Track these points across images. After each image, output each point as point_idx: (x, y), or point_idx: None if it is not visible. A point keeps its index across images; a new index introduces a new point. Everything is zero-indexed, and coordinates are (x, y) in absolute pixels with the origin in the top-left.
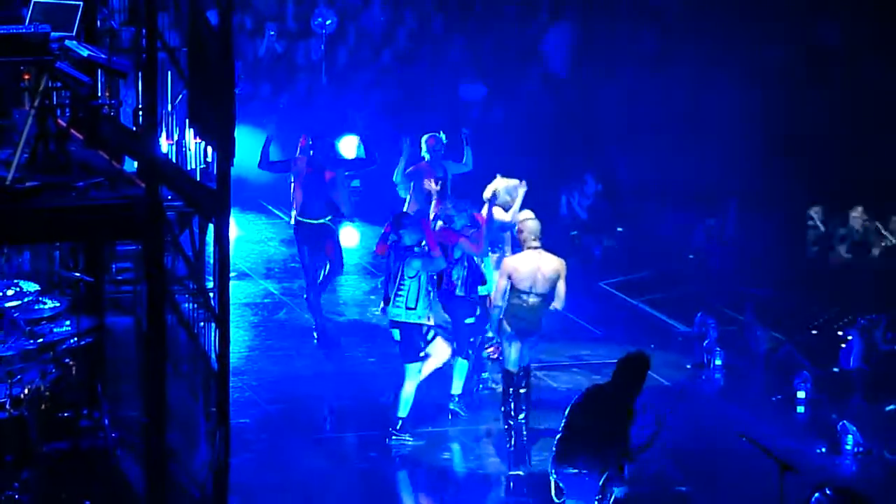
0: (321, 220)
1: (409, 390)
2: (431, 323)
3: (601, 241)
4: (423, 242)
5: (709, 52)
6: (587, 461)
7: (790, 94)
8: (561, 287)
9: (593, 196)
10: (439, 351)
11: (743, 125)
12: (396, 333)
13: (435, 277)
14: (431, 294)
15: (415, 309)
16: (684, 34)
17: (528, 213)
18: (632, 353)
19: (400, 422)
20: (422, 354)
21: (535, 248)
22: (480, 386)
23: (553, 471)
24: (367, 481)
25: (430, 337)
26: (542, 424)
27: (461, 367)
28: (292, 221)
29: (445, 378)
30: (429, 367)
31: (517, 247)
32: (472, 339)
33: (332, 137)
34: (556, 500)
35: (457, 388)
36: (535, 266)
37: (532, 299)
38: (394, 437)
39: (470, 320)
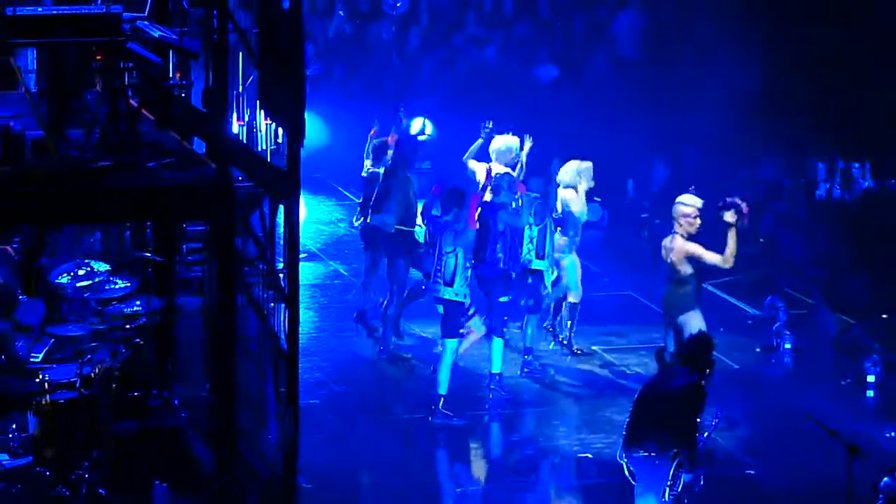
0: (388, 228)
1: (447, 367)
2: (467, 302)
3: (670, 223)
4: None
5: (774, 34)
6: (657, 445)
7: (854, 75)
8: (708, 258)
9: (661, 182)
10: (474, 328)
11: (810, 108)
12: (441, 308)
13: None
14: (469, 271)
15: (452, 286)
16: (749, 18)
17: (682, 198)
18: (695, 336)
19: (442, 399)
20: (462, 331)
21: (675, 231)
22: (525, 369)
23: (623, 455)
24: (435, 462)
25: (470, 313)
26: (611, 408)
27: (497, 346)
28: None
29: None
30: (465, 345)
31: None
32: (505, 318)
33: (414, 141)
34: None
35: (496, 366)
36: (665, 249)
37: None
38: (438, 414)
39: (504, 299)
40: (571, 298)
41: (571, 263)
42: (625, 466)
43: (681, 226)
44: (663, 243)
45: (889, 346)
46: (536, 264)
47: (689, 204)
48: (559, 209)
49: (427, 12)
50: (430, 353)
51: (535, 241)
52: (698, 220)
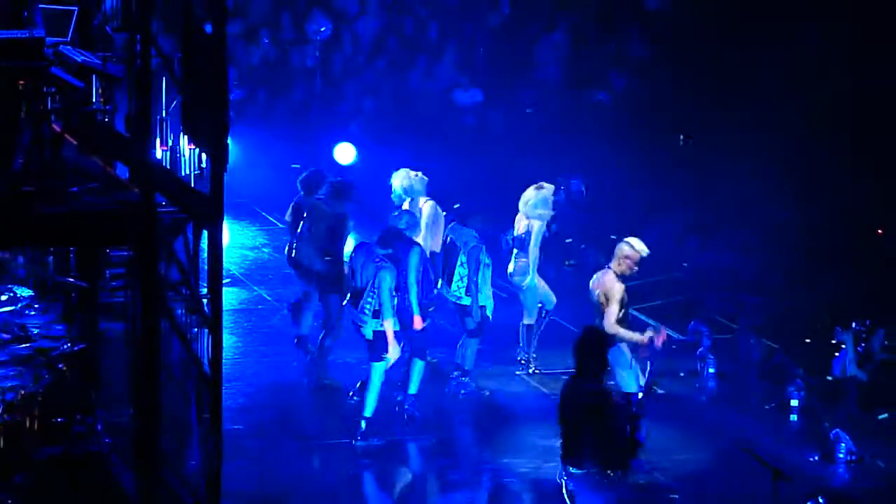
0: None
1: (374, 391)
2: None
3: (594, 249)
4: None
5: (699, 59)
6: (591, 458)
7: (777, 99)
8: (608, 310)
9: (578, 197)
10: (393, 352)
11: (731, 135)
12: (369, 332)
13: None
14: (395, 299)
15: (380, 317)
16: (675, 41)
17: (631, 239)
18: (582, 333)
19: (364, 422)
20: (385, 356)
21: (609, 266)
22: (462, 391)
23: (563, 476)
24: (360, 488)
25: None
26: (534, 432)
27: (418, 368)
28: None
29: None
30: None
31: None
32: (426, 342)
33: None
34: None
35: (412, 388)
36: (593, 282)
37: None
38: (359, 439)
39: (426, 322)
40: (525, 321)
41: (532, 285)
42: (563, 486)
43: (618, 264)
44: (595, 276)
45: (812, 370)
46: (465, 301)
47: (635, 249)
48: (520, 231)
49: (350, 38)
50: (354, 379)
51: (464, 279)
52: (636, 268)
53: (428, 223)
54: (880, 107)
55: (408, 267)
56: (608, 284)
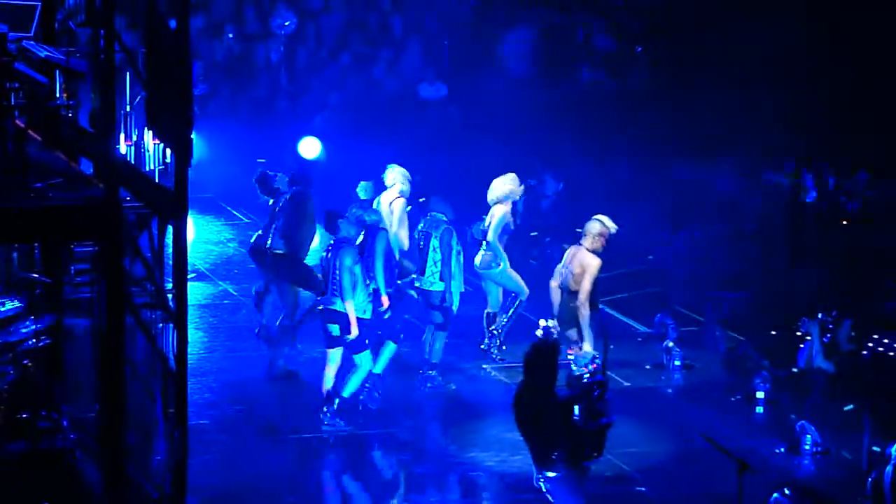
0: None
1: (361, 376)
2: (367, 316)
3: (561, 242)
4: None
5: (665, 53)
6: (561, 461)
7: (772, 95)
8: (584, 285)
9: (553, 196)
10: (354, 331)
11: (700, 127)
12: (336, 329)
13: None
14: (371, 285)
15: (353, 300)
16: (640, 35)
17: (602, 217)
18: (535, 345)
19: (338, 400)
20: (367, 342)
21: (581, 243)
22: (428, 384)
23: (539, 478)
24: (326, 481)
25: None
26: (500, 425)
27: (389, 349)
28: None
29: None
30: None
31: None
32: (398, 326)
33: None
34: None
35: (378, 367)
36: (567, 258)
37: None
38: (326, 412)
39: (387, 315)
40: (489, 308)
41: (503, 271)
42: (542, 487)
43: (592, 241)
44: (568, 251)
45: (779, 362)
46: (437, 286)
47: (606, 225)
48: (486, 223)
49: (314, 32)
50: (320, 371)
51: (437, 264)
52: (605, 244)
53: (401, 218)
54: (880, 106)
55: (374, 252)
56: (587, 259)
